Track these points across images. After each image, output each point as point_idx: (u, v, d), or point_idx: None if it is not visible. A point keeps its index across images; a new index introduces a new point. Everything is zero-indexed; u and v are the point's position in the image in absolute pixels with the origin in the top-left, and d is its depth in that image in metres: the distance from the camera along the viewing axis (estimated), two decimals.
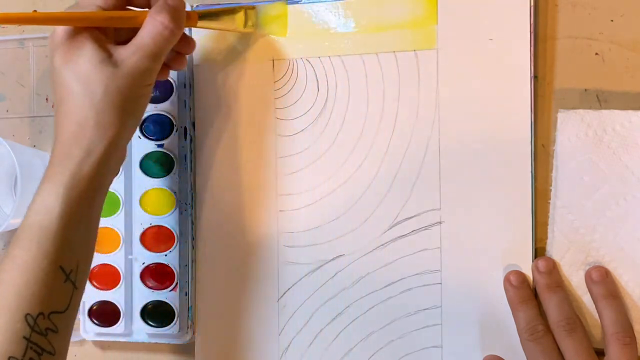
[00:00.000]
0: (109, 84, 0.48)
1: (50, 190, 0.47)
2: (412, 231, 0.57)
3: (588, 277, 0.53)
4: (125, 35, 0.51)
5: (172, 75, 0.62)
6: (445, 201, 0.56)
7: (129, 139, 0.52)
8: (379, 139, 0.58)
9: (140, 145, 0.62)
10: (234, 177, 0.61)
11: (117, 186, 0.62)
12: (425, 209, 0.57)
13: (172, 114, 0.62)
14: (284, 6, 0.59)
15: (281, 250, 0.60)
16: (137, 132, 0.62)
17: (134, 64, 0.48)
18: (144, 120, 0.62)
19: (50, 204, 0.47)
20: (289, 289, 0.60)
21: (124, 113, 0.49)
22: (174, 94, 0.62)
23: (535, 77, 0.55)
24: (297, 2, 0.59)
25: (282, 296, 0.60)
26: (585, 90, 0.55)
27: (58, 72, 0.49)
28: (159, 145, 0.62)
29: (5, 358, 0.44)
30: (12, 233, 0.67)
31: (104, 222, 0.63)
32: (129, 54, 0.48)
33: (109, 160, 0.49)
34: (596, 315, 0.53)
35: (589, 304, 0.53)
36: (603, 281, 0.52)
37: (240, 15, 0.58)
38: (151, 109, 0.62)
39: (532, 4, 0.55)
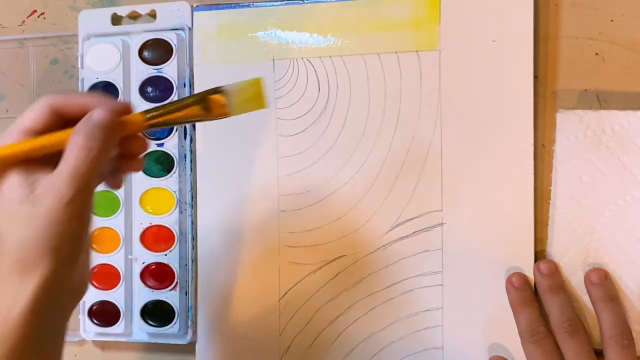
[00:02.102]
0: (30, 224, 0.42)
1: None
2: (414, 232, 0.57)
3: (587, 279, 0.53)
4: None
5: (172, 75, 0.62)
6: (447, 202, 0.56)
7: (73, 273, 0.45)
8: (380, 139, 0.58)
9: None
10: (235, 177, 0.61)
11: None
12: (426, 210, 0.57)
13: None
14: (258, 83, 0.48)
15: (282, 250, 0.60)
16: None
17: (53, 201, 0.42)
18: None
19: None
20: (290, 289, 0.60)
21: (52, 253, 0.42)
22: (174, 93, 0.62)
23: (535, 77, 0.55)
24: (300, 2, 0.59)
25: (283, 296, 0.60)
26: (585, 90, 0.55)
27: None
28: (159, 145, 0.62)
29: None
30: None
31: (104, 222, 0.63)
32: (48, 187, 0.42)
33: (43, 306, 0.43)
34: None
35: (589, 304, 0.53)
36: (602, 284, 0.52)
37: (204, 105, 0.47)
38: None
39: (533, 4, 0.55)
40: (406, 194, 0.57)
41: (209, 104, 0.47)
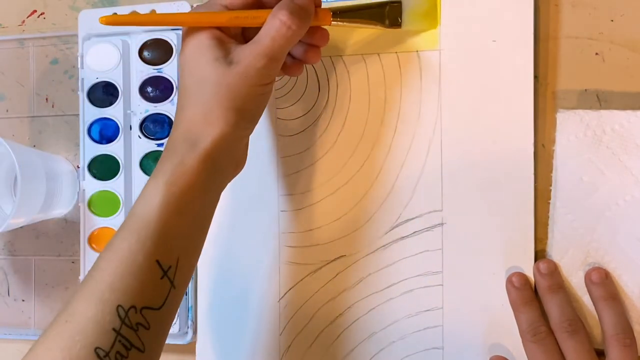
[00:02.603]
0: (220, 82, 0.47)
1: (154, 183, 0.46)
2: (414, 232, 0.57)
3: (588, 278, 0.53)
4: (254, 34, 0.49)
5: (172, 75, 0.62)
6: (447, 202, 0.56)
7: (243, 139, 0.51)
8: (380, 139, 0.58)
9: (140, 145, 0.62)
10: (234, 177, 0.61)
11: (117, 186, 0.62)
12: (427, 210, 0.57)
13: (172, 113, 0.62)
14: (434, 1, 0.54)
15: (282, 250, 0.60)
16: (137, 132, 0.62)
17: (249, 63, 0.47)
18: (144, 120, 0.62)
19: (151, 197, 0.46)
20: (290, 289, 0.60)
21: (234, 112, 0.48)
22: (174, 93, 0.62)
23: (536, 77, 0.55)
24: None
25: (283, 296, 0.60)
26: (585, 90, 0.55)
27: (179, 68, 0.50)
28: (159, 145, 0.62)
29: (92, 348, 0.42)
30: (12, 233, 0.67)
31: (104, 221, 0.63)
32: (246, 53, 0.47)
33: (216, 158, 0.47)
34: (597, 316, 0.53)
35: (589, 304, 0.53)
36: (602, 283, 0.52)
37: (382, 12, 0.54)
38: (151, 109, 0.62)
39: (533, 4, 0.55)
40: (406, 193, 0.57)
41: (385, 13, 0.53)
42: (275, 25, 0.47)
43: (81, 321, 0.43)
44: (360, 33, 0.58)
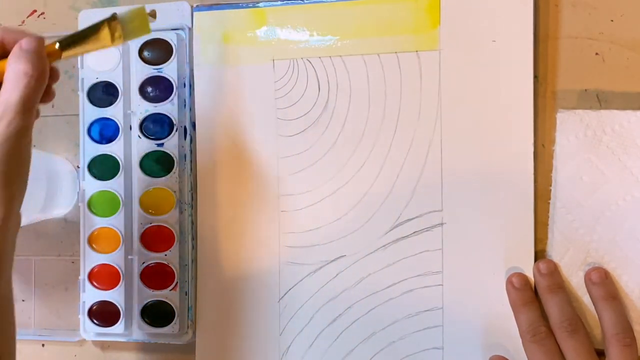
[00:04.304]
0: None
1: None
2: (414, 232, 0.57)
3: (587, 278, 0.53)
4: None
5: (172, 75, 0.62)
6: (447, 202, 0.56)
7: (17, 208, 0.48)
8: (380, 139, 0.58)
9: (140, 145, 0.62)
10: (235, 177, 0.61)
11: (117, 186, 0.62)
12: (427, 210, 0.57)
13: (172, 113, 0.62)
14: (141, 8, 0.52)
15: (282, 250, 0.60)
16: (137, 132, 0.62)
17: (6, 127, 0.44)
18: (144, 120, 0.62)
19: None
20: (290, 289, 0.60)
21: (7, 183, 0.44)
22: (174, 93, 0.62)
23: (535, 77, 0.55)
24: (300, 2, 0.59)
25: (283, 296, 0.60)
26: (585, 90, 0.55)
27: None
28: (159, 145, 0.62)
29: None
30: None
31: (104, 221, 0.63)
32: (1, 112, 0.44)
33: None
34: (597, 316, 0.53)
35: (589, 304, 0.53)
36: (602, 282, 0.53)
37: (105, 32, 0.52)
38: (151, 109, 0.62)
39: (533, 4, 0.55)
40: (406, 193, 0.57)
41: (108, 32, 0.52)
42: (20, 80, 0.45)
43: None
44: (360, 33, 0.58)
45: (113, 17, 0.52)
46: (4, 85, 0.45)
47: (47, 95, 0.51)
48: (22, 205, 0.57)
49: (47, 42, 0.49)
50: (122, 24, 0.52)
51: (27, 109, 0.45)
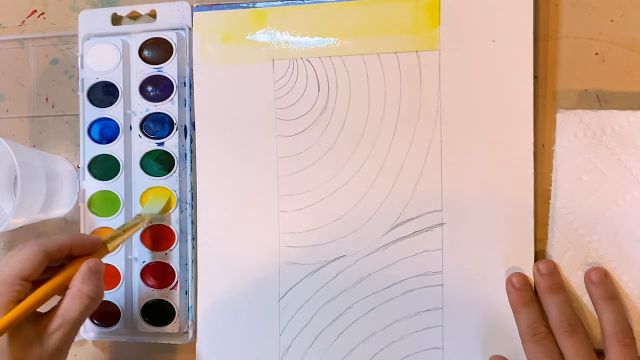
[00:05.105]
0: None
1: None
2: (414, 232, 0.57)
3: (587, 278, 0.53)
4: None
5: (173, 74, 0.62)
6: (447, 203, 0.56)
7: None
8: (380, 139, 0.58)
9: (140, 144, 0.62)
10: (235, 177, 0.61)
11: (117, 186, 0.63)
12: (426, 211, 0.57)
13: (172, 112, 0.62)
14: (165, 197, 0.62)
15: (282, 250, 0.60)
16: (137, 131, 0.62)
17: (61, 339, 0.49)
18: (144, 119, 0.62)
19: None
20: (290, 289, 0.60)
21: None
22: (174, 92, 0.62)
23: (535, 77, 0.55)
24: (300, 2, 0.59)
25: (283, 296, 0.60)
26: (585, 90, 0.55)
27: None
28: (159, 144, 0.62)
29: None
30: (12, 233, 0.67)
31: (104, 221, 0.63)
32: (55, 329, 0.49)
33: None
34: (596, 316, 0.53)
35: (589, 304, 0.54)
36: (602, 283, 0.53)
37: (141, 223, 0.60)
38: (151, 108, 0.62)
39: (533, 4, 0.55)
40: (406, 194, 0.57)
41: (143, 221, 0.60)
42: (83, 300, 0.50)
43: None
44: (360, 33, 0.58)
45: (146, 216, 0.61)
46: (66, 300, 0.50)
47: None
48: (22, 206, 0.58)
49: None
50: (154, 213, 0.61)
51: (79, 326, 0.50)
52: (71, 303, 0.50)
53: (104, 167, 0.63)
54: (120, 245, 0.61)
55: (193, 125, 0.62)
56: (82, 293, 0.50)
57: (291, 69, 0.60)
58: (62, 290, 0.51)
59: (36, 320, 0.50)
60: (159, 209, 0.61)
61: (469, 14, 0.56)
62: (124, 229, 0.58)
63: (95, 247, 0.54)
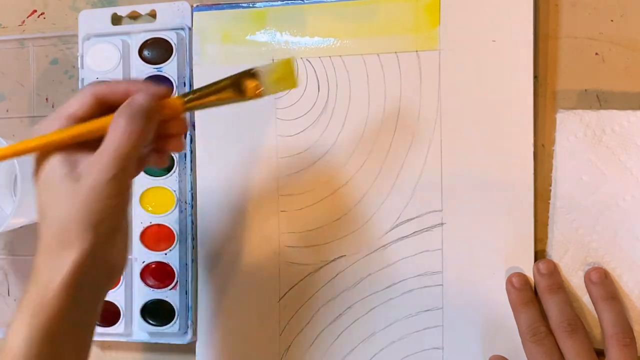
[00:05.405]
0: (71, 200, 0.44)
1: (19, 314, 0.44)
2: (414, 232, 0.57)
3: (587, 278, 0.53)
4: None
5: (172, 74, 0.62)
6: (447, 202, 0.56)
7: (110, 251, 0.47)
8: (380, 139, 0.58)
9: None
10: (235, 177, 0.61)
11: None
12: (426, 211, 0.57)
13: None
14: (289, 63, 0.49)
15: (282, 250, 0.60)
16: None
17: (97, 177, 0.44)
18: None
19: (18, 328, 0.44)
20: (290, 289, 0.60)
21: (91, 228, 0.44)
22: (174, 92, 0.62)
23: (535, 77, 0.55)
24: (300, 2, 0.59)
25: (283, 296, 0.60)
26: (585, 90, 0.55)
27: (35, 188, 0.47)
28: None
29: None
30: (12, 233, 0.67)
31: None
32: (92, 166, 0.45)
33: (81, 280, 0.45)
34: (596, 316, 0.53)
35: (589, 304, 0.53)
36: (602, 282, 0.52)
37: (237, 86, 0.49)
38: None
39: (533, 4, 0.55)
40: (406, 194, 0.57)
41: (242, 86, 0.49)
42: (117, 134, 0.45)
43: None
44: (360, 33, 0.58)
45: (252, 72, 0.49)
46: (105, 138, 0.45)
47: (161, 157, 0.51)
48: (22, 206, 0.58)
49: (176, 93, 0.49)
50: (263, 78, 0.49)
51: (120, 163, 0.45)
52: (107, 137, 0.45)
53: None
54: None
55: (193, 125, 0.62)
56: (116, 126, 0.45)
57: None
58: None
59: (81, 156, 0.46)
60: (284, 85, 0.50)
61: (469, 14, 0.56)
62: (214, 89, 0.49)
63: (163, 94, 0.48)
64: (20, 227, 0.63)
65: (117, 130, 0.45)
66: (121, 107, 0.46)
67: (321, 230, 0.59)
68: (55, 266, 0.44)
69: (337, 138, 0.59)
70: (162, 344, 0.63)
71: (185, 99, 0.48)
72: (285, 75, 0.49)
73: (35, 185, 0.47)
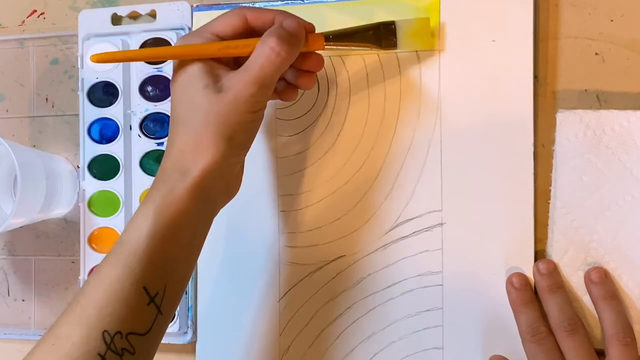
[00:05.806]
0: (210, 110, 0.47)
1: (144, 211, 0.46)
2: (414, 232, 0.57)
3: (587, 278, 0.53)
4: (245, 60, 0.49)
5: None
6: (447, 202, 0.56)
7: (234, 165, 0.51)
8: (380, 139, 0.58)
9: (140, 144, 0.62)
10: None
11: (117, 186, 0.62)
12: (426, 211, 0.57)
13: None
14: (426, 21, 0.54)
15: (282, 250, 0.60)
16: (137, 131, 0.62)
17: (238, 91, 0.47)
18: (144, 119, 0.62)
19: (140, 224, 0.46)
20: (290, 289, 0.60)
21: (224, 140, 0.47)
22: None
23: (535, 77, 0.55)
24: (300, 2, 0.59)
25: (283, 297, 0.60)
26: (585, 90, 0.55)
27: (172, 95, 0.50)
28: (158, 144, 0.62)
29: None
30: (12, 233, 0.67)
31: (104, 221, 0.63)
32: (235, 81, 0.47)
33: (206, 187, 0.48)
34: (597, 316, 0.53)
35: (589, 304, 0.53)
36: (602, 282, 0.53)
37: (377, 34, 0.54)
38: (151, 108, 0.62)
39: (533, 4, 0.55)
40: (406, 194, 0.57)
41: (380, 34, 0.53)
42: (264, 53, 0.47)
43: (66, 345, 0.43)
44: None
45: (390, 22, 0.53)
46: (250, 57, 0.48)
47: (292, 91, 0.54)
48: (22, 206, 0.58)
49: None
50: (399, 30, 0.54)
51: (263, 82, 0.47)
52: (253, 56, 0.48)
53: (103, 167, 0.63)
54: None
55: None
56: (264, 46, 0.47)
57: None
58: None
59: (224, 72, 0.49)
60: (419, 43, 0.55)
61: (469, 14, 0.56)
62: (354, 32, 0.53)
63: (308, 27, 0.51)
64: (20, 227, 0.63)
65: (265, 49, 0.47)
66: (271, 29, 0.48)
67: (321, 230, 0.59)
68: (185, 171, 0.47)
69: (337, 138, 0.59)
70: (162, 343, 0.63)
71: (327, 34, 0.51)
72: (421, 32, 0.54)
73: (172, 92, 0.50)
